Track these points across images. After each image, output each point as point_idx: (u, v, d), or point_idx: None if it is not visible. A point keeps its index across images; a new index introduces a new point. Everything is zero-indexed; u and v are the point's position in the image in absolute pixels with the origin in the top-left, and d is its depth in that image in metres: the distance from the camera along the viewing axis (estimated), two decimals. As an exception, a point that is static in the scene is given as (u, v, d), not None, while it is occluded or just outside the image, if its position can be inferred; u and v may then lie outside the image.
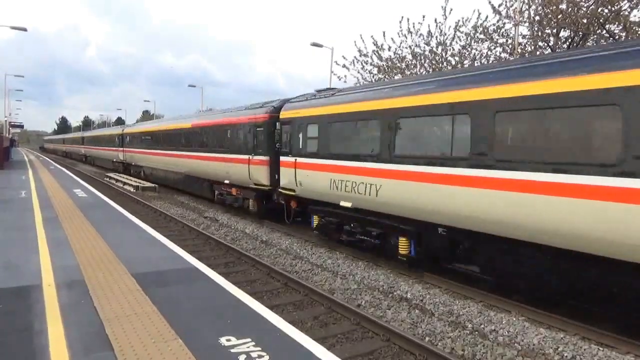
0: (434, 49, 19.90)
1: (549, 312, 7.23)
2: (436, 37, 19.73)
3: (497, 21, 17.49)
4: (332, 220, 11.59)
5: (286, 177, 13.10)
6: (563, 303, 7.20)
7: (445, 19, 19.31)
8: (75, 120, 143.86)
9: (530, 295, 7.60)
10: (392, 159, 9.34)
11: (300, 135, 12.51)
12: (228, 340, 4.45)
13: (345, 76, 23.39)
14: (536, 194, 6.67)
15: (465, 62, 19.06)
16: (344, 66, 22.90)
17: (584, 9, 14.67)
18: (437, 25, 19.58)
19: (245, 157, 15.35)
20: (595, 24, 14.65)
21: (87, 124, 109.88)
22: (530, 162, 6.81)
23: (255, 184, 14.90)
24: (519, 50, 16.25)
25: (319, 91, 13.16)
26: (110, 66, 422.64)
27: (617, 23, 14.35)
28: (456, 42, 19.31)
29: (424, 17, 20.65)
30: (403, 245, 9.42)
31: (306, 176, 12.17)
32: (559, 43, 16.23)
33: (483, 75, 7.89)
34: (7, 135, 44.56)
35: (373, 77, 22.11)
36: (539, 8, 16.01)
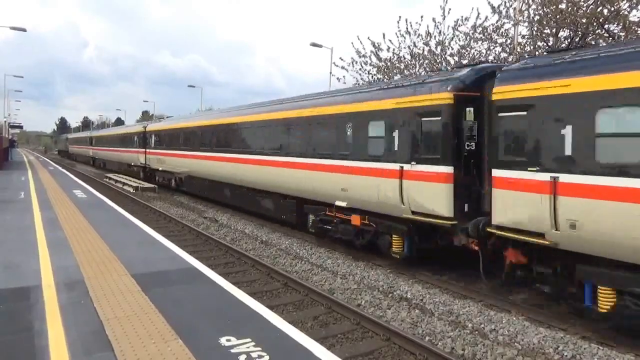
0: (433, 49, 19.88)
1: (549, 311, 7.24)
2: (435, 37, 19.71)
3: (497, 21, 17.48)
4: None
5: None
6: (563, 303, 7.21)
7: (444, 19, 19.29)
8: (74, 121, 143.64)
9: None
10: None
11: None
12: (228, 340, 4.45)
13: (344, 77, 23.40)
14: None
15: (464, 62, 19.03)
16: (342, 67, 22.92)
17: (584, 9, 14.67)
18: (435, 25, 19.56)
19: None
20: (595, 24, 14.65)
21: (86, 124, 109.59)
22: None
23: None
24: (519, 50, 16.26)
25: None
26: (109, 66, 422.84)
27: (616, 23, 14.36)
28: (455, 42, 19.29)
29: (422, 17, 20.50)
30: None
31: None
32: (558, 43, 16.22)
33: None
34: (6, 135, 44.50)
35: (372, 77, 22.11)
36: (539, 8, 16.01)
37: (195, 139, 20.20)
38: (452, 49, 19.42)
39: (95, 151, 46.20)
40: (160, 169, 24.83)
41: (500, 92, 7.44)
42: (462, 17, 18.72)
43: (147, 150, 26.89)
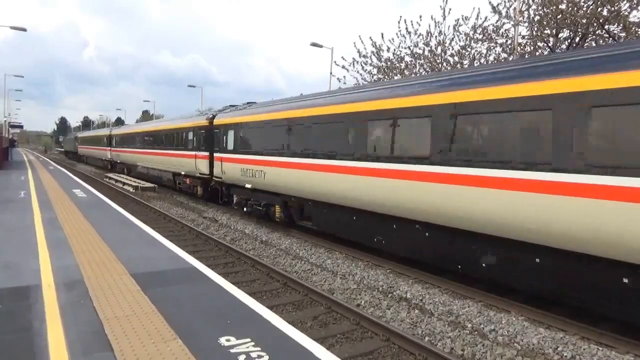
0: (433, 49, 19.88)
1: (549, 311, 7.24)
2: (435, 36, 19.73)
3: (497, 21, 17.49)
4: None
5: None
6: (563, 303, 7.20)
7: (444, 19, 19.31)
8: (75, 121, 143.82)
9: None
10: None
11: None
12: (228, 340, 4.46)
13: (344, 77, 23.45)
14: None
15: (465, 62, 19.06)
16: (343, 67, 22.94)
17: (584, 9, 14.68)
18: (436, 25, 19.57)
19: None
20: (595, 24, 14.66)
21: (86, 124, 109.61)
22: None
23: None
24: (519, 50, 16.26)
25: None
26: (109, 66, 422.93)
27: (616, 23, 14.37)
28: (455, 42, 19.30)
29: (420, 17, 20.42)
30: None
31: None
32: (558, 43, 16.23)
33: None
34: (6, 135, 44.51)
35: (373, 77, 22.13)
36: (539, 8, 16.02)
37: (369, 138, 9.91)
38: (453, 49, 19.44)
39: (117, 153, 36.10)
40: (248, 186, 15.01)
41: None
42: (462, 16, 18.75)
43: (219, 155, 17.42)
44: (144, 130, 29.26)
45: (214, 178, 18.17)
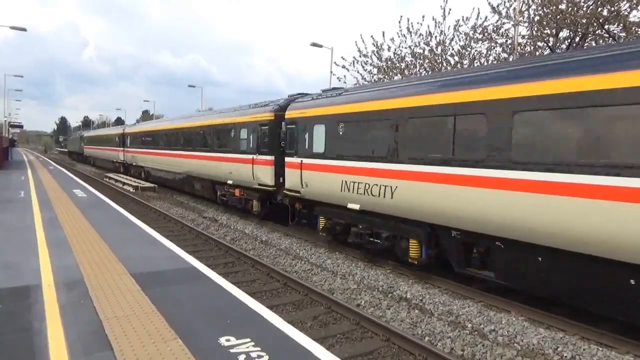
0: (434, 49, 19.90)
1: (549, 312, 7.24)
2: (435, 36, 19.75)
3: (497, 21, 17.50)
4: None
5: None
6: (563, 303, 7.20)
7: (444, 19, 19.33)
8: (75, 121, 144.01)
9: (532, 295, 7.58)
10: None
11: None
12: (228, 340, 4.45)
13: (344, 76, 23.44)
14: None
15: (465, 61, 19.06)
16: (343, 67, 22.93)
17: (584, 9, 14.69)
18: (436, 25, 19.59)
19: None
20: (595, 24, 14.67)
21: (86, 123, 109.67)
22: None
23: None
24: (519, 50, 16.27)
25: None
26: (109, 66, 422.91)
27: (616, 23, 14.38)
28: (456, 42, 19.33)
29: (423, 17, 20.47)
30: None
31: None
32: (558, 43, 16.24)
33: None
34: (6, 135, 44.51)
35: (373, 77, 22.12)
36: (539, 8, 16.03)
37: None
38: (453, 49, 19.46)
39: (132, 155, 31.14)
40: (353, 206, 10.34)
41: None
42: (462, 17, 18.79)
43: (294, 159, 12.65)
44: (169, 128, 24.06)
45: (285, 192, 13.25)
